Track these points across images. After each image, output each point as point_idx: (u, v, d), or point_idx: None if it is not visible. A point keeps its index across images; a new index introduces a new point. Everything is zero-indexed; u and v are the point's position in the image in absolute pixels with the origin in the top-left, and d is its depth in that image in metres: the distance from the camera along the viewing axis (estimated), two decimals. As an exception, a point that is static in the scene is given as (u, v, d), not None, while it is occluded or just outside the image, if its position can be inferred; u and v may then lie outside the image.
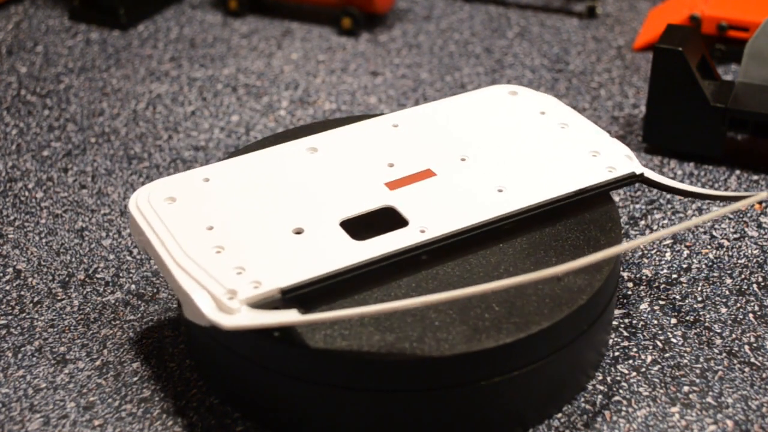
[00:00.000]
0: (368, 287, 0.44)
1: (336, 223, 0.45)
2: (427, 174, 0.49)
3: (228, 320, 0.40)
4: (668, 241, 0.57)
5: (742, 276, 0.54)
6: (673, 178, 0.62)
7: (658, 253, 0.56)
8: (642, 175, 0.50)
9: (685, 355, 0.49)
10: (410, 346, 0.41)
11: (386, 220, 0.47)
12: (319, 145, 0.51)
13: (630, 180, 0.50)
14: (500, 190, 0.48)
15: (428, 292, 0.44)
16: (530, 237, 0.47)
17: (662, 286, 0.53)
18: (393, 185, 0.48)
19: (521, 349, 0.42)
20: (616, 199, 0.60)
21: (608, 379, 0.47)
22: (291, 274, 0.42)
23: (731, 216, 0.58)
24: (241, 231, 0.44)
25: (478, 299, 0.43)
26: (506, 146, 0.51)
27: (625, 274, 0.54)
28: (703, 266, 0.55)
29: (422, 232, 0.45)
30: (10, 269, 0.55)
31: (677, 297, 0.52)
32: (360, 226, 0.46)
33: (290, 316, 0.40)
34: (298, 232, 0.45)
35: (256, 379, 0.44)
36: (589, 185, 0.49)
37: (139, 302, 0.52)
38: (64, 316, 0.52)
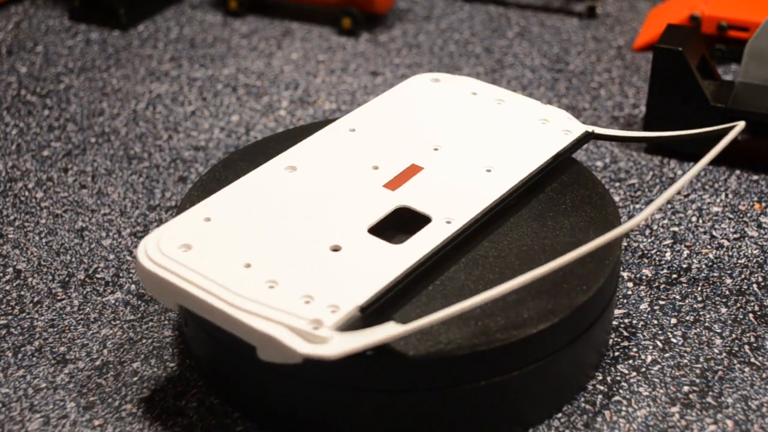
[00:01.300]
0: (423, 286, 0.44)
1: (365, 233, 0.45)
2: (415, 169, 0.49)
3: (328, 350, 0.38)
4: (668, 241, 0.57)
5: (742, 276, 0.54)
6: (672, 178, 0.62)
7: (658, 253, 0.56)
8: (593, 132, 0.53)
9: (685, 355, 0.49)
10: (498, 330, 0.42)
11: (402, 219, 0.47)
12: (295, 162, 0.50)
13: (586, 138, 0.52)
14: (489, 170, 0.49)
15: (483, 278, 0.44)
16: (530, 208, 0.48)
17: (662, 286, 0.53)
18: (391, 186, 0.48)
19: (593, 306, 0.44)
20: (617, 199, 0.60)
21: (608, 379, 0.47)
22: (360, 290, 0.41)
23: (731, 216, 0.59)
24: (281, 261, 0.43)
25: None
26: (466, 129, 0.52)
27: (625, 274, 0.54)
28: (703, 266, 0.55)
29: (448, 223, 0.46)
30: (10, 269, 0.55)
31: (677, 297, 0.52)
32: (381, 231, 0.47)
33: (391, 330, 0.39)
34: (336, 249, 0.44)
35: (257, 380, 0.44)
36: (560, 150, 0.51)
37: (139, 302, 0.52)
38: (64, 316, 0.52)
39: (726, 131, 0.51)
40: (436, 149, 0.51)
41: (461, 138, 0.52)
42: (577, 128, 0.52)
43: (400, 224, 0.47)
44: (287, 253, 0.43)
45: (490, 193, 0.48)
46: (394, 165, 0.50)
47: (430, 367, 0.41)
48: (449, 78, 0.57)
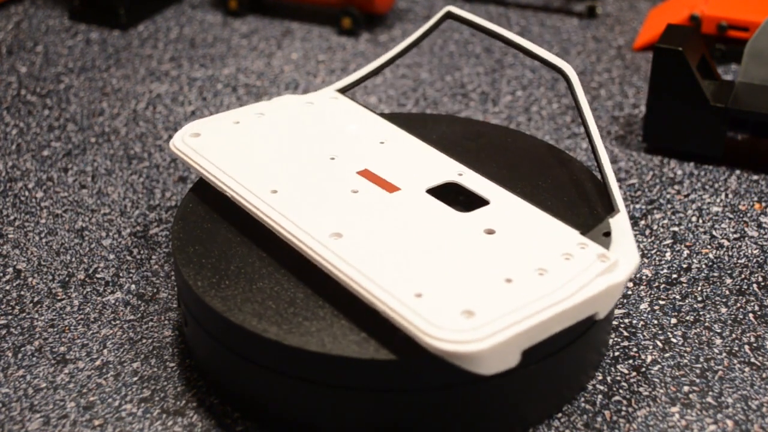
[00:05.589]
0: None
1: (464, 215, 0.47)
2: (368, 172, 0.50)
3: (632, 262, 0.44)
4: (668, 241, 0.57)
5: (742, 276, 0.54)
6: (672, 178, 0.62)
7: (658, 253, 0.56)
8: (341, 87, 0.59)
9: (685, 355, 0.49)
10: None
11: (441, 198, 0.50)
12: (330, 228, 0.46)
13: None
14: (382, 142, 0.53)
15: (532, 185, 0.51)
16: (438, 139, 0.55)
17: (662, 286, 0.53)
18: (390, 188, 0.48)
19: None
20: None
21: (608, 379, 0.47)
22: (561, 230, 0.46)
23: (731, 216, 0.59)
24: (499, 265, 0.44)
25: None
26: (317, 134, 0.54)
27: (625, 274, 0.54)
28: (703, 266, 0.55)
29: (461, 175, 0.50)
30: (10, 269, 0.55)
31: (677, 297, 0.52)
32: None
33: (619, 222, 0.46)
34: (490, 231, 0.46)
35: (257, 380, 0.44)
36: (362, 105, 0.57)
37: (139, 302, 0.52)
38: (64, 316, 0.52)
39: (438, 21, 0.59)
40: (333, 158, 0.51)
41: (328, 140, 0.53)
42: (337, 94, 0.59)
43: (447, 199, 0.51)
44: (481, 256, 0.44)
45: (424, 149, 0.52)
46: (355, 181, 0.49)
47: (427, 368, 0.41)
48: (213, 120, 0.55)
